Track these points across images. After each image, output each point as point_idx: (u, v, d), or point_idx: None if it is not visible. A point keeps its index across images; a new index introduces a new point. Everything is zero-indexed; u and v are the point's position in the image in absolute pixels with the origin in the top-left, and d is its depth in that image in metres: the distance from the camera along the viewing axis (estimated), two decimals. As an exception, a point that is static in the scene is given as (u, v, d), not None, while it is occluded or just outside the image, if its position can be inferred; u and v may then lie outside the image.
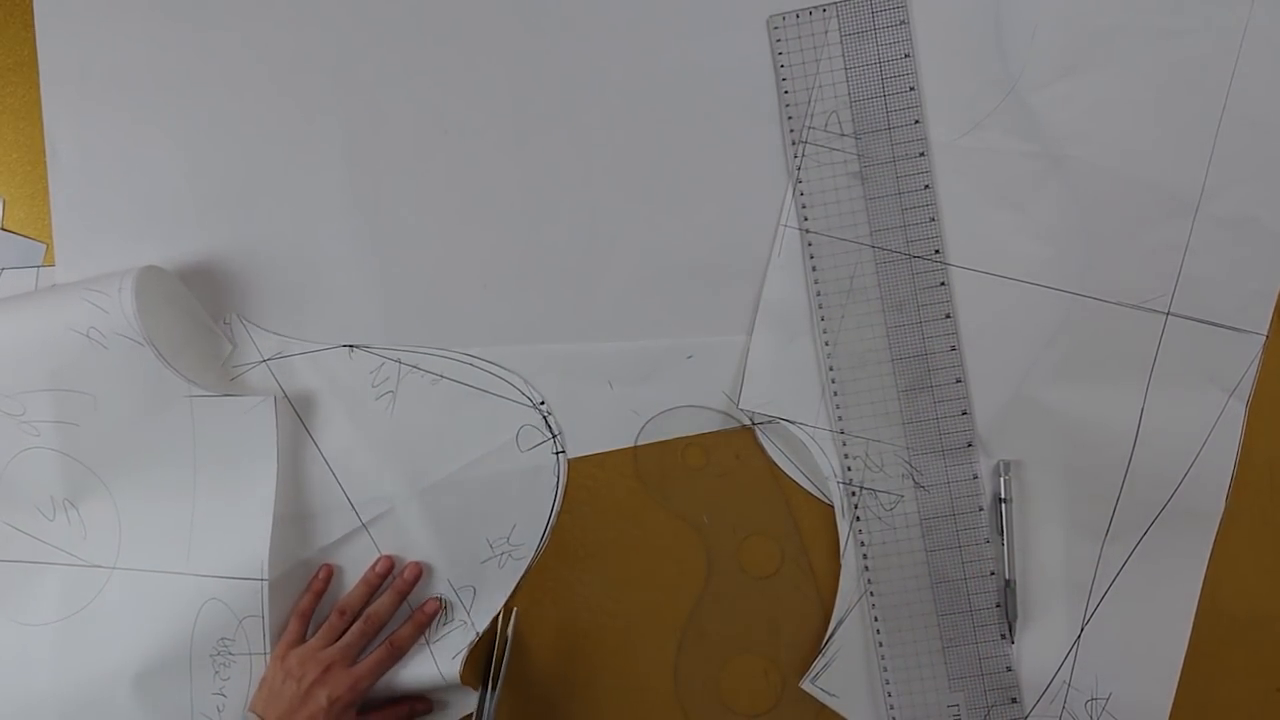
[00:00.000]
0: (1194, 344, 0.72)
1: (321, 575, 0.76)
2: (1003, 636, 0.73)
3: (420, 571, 0.76)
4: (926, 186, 0.74)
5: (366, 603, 0.76)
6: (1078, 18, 0.72)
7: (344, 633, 0.74)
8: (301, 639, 0.74)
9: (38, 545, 0.78)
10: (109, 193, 0.80)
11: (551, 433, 0.77)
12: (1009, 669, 0.74)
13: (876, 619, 0.74)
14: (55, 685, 0.77)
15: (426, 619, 0.76)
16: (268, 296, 0.79)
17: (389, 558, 0.77)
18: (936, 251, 0.74)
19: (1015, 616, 0.73)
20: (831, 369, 0.75)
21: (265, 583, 0.74)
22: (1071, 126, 0.72)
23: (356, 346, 0.78)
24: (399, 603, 0.76)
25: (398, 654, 0.74)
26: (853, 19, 0.74)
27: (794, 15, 0.75)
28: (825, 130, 0.75)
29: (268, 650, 0.75)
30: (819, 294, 0.75)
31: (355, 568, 0.77)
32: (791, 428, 0.75)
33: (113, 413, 0.75)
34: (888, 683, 0.74)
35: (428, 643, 0.76)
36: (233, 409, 0.75)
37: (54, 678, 0.77)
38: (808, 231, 0.75)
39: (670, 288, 0.77)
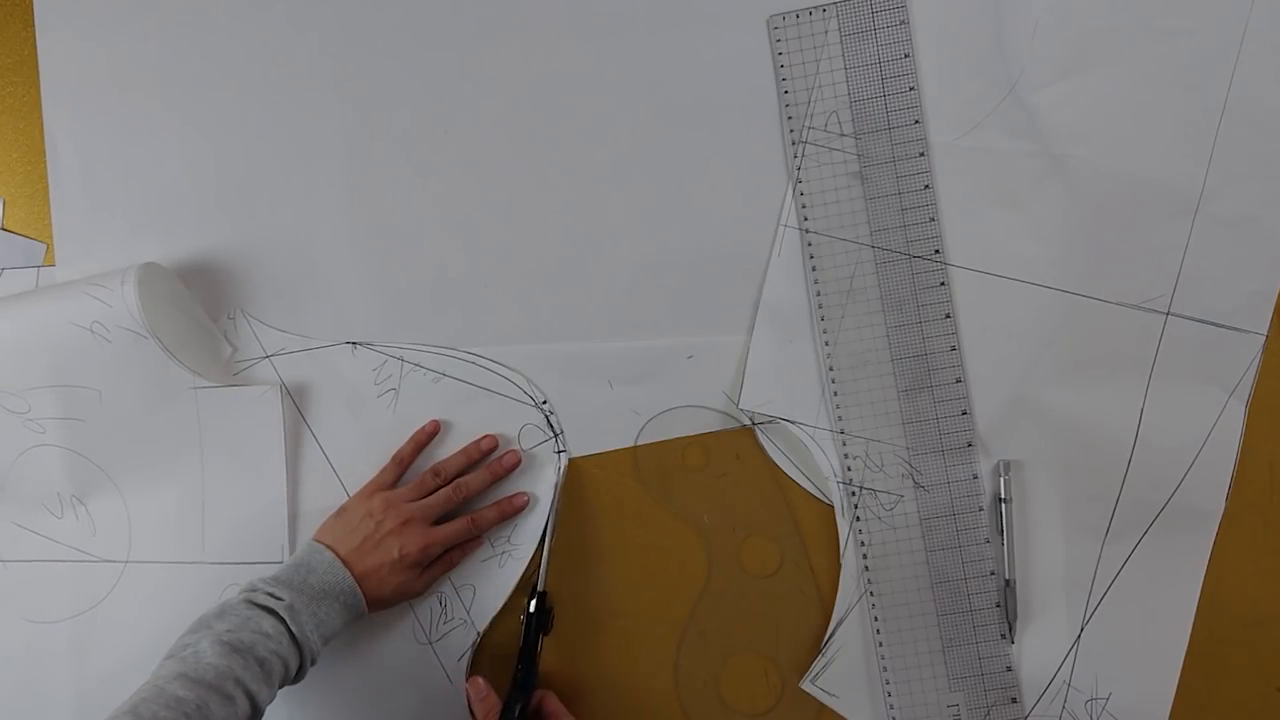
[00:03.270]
0: (1194, 344, 0.72)
1: (428, 428, 0.77)
2: (1003, 636, 0.73)
3: (519, 460, 0.77)
4: (926, 186, 0.74)
5: (462, 472, 0.76)
6: (1078, 18, 0.72)
7: (433, 493, 0.75)
8: (393, 484, 0.76)
9: (47, 544, 0.78)
10: (109, 193, 0.80)
11: (554, 432, 0.77)
12: (1009, 669, 0.73)
13: (876, 619, 0.74)
14: (72, 680, 0.77)
15: (512, 509, 0.76)
16: (270, 294, 0.79)
17: (493, 437, 0.77)
18: (936, 251, 0.74)
19: (1015, 616, 0.73)
20: (831, 369, 0.75)
21: None
22: (1071, 126, 0.72)
23: (359, 344, 0.78)
24: (490, 482, 0.76)
25: (476, 531, 0.75)
26: (853, 19, 0.74)
27: (794, 15, 0.75)
28: (825, 130, 0.75)
29: None
30: (819, 294, 0.75)
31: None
32: (791, 428, 0.75)
33: (118, 407, 0.75)
34: (888, 683, 0.74)
35: (430, 642, 0.76)
36: (238, 399, 0.76)
37: (71, 673, 0.77)
38: (808, 231, 0.75)
39: (670, 288, 0.77)
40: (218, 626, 0.64)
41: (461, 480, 0.75)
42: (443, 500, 0.74)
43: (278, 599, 0.66)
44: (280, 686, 0.66)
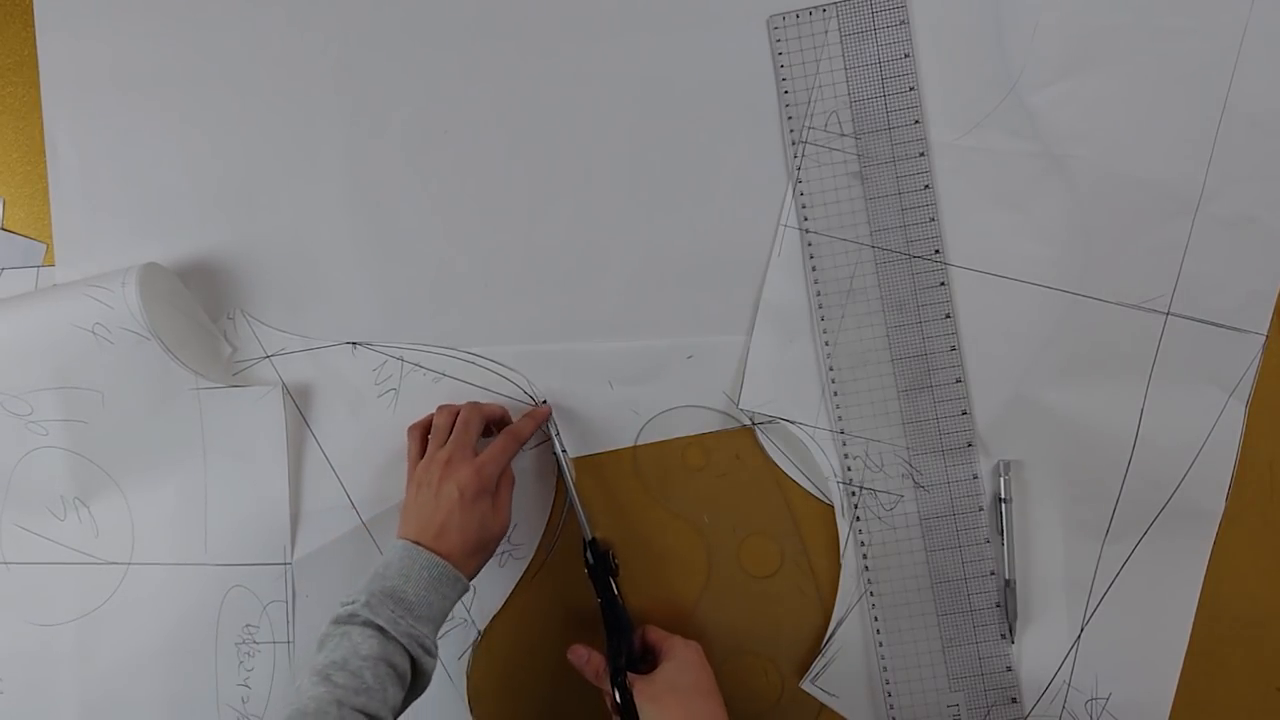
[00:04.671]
0: (1194, 344, 0.72)
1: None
2: (1003, 636, 0.74)
3: (549, 412, 0.76)
4: (926, 186, 0.74)
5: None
6: (1078, 18, 0.72)
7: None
8: (422, 455, 0.73)
9: (50, 546, 0.78)
10: (109, 193, 0.80)
11: (553, 431, 0.77)
12: (1009, 669, 0.74)
13: (876, 619, 0.75)
14: (77, 682, 0.78)
15: (543, 416, 0.75)
16: (270, 294, 0.79)
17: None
18: (936, 251, 0.74)
19: (1015, 616, 0.73)
20: (831, 369, 0.75)
21: (289, 566, 0.76)
22: (1071, 126, 0.72)
23: (359, 344, 0.78)
24: (534, 429, 0.75)
25: (518, 441, 0.73)
26: (853, 19, 0.74)
27: (794, 15, 0.75)
28: (825, 130, 0.75)
29: (292, 640, 0.76)
30: (819, 294, 0.75)
31: (357, 563, 0.77)
32: (791, 428, 0.75)
33: (120, 408, 0.75)
34: (888, 683, 0.74)
35: None
36: (240, 399, 0.76)
37: (75, 675, 0.78)
38: (808, 231, 0.75)
39: (670, 288, 0.77)
40: (316, 659, 0.62)
41: (465, 414, 0.73)
42: (463, 425, 0.72)
43: (352, 604, 0.64)
44: (408, 690, 0.64)
